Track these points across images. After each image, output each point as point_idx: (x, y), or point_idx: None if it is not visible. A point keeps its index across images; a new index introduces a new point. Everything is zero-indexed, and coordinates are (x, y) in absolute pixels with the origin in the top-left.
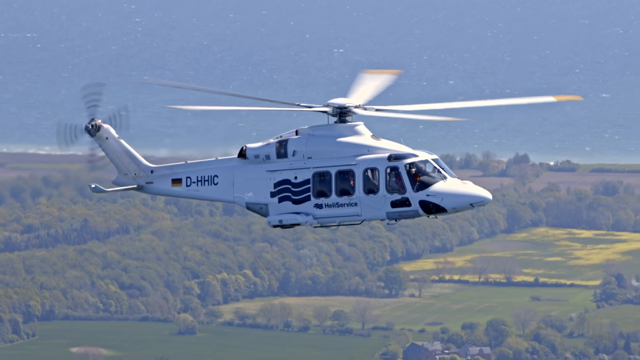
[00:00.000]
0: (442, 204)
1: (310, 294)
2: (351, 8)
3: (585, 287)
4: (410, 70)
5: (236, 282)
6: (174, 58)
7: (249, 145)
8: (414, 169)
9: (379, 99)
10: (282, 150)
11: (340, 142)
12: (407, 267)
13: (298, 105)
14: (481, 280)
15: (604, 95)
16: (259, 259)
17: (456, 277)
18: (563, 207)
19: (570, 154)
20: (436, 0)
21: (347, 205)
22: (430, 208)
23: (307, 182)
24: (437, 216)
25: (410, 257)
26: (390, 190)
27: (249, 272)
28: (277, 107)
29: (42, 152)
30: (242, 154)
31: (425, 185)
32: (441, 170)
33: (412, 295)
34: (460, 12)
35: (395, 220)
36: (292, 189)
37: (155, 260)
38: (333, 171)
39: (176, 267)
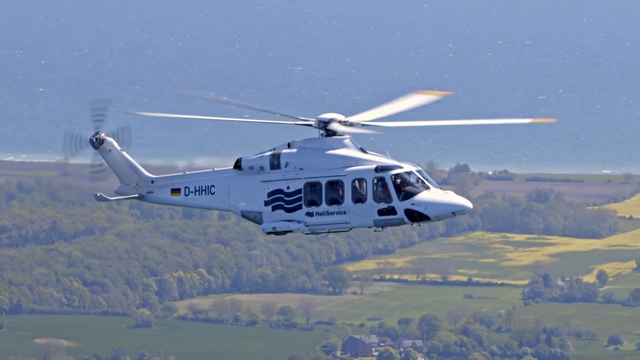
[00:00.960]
0: (426, 213)
1: (260, 291)
2: (311, 29)
3: (515, 286)
4: (365, 88)
5: (191, 279)
6: (146, 74)
7: (244, 157)
8: (399, 180)
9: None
10: (275, 162)
11: (330, 155)
12: (351, 267)
13: (295, 118)
14: (419, 279)
15: (542, 110)
16: (213, 258)
17: (396, 277)
18: (498, 212)
19: (508, 164)
20: (392, 22)
21: (337, 214)
22: (415, 216)
23: (299, 191)
24: (421, 224)
25: (355, 258)
26: (377, 199)
27: (203, 271)
28: (274, 119)
29: (18, 160)
30: (237, 166)
31: (410, 195)
32: (425, 181)
33: (355, 293)
34: (413, 32)
35: (382, 228)
36: (285, 198)
37: (117, 259)
38: (323, 181)
39: (136, 266)
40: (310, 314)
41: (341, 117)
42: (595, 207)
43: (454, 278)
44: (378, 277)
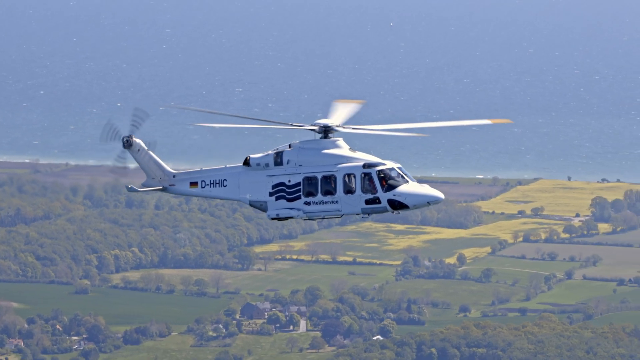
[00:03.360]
0: (405, 202)
1: (181, 267)
2: (253, 57)
3: (390, 265)
4: (293, 108)
5: (125, 256)
6: (111, 94)
7: (252, 156)
8: (383, 175)
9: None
10: (279, 160)
11: (325, 153)
12: (259, 249)
13: (291, 124)
14: (313, 259)
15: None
16: (144, 240)
17: (294, 257)
18: None
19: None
20: (321, 53)
21: (330, 203)
22: (396, 205)
23: (298, 184)
24: (400, 212)
25: (263, 241)
26: (364, 191)
27: (136, 250)
28: (274, 125)
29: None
30: (246, 162)
31: (392, 187)
32: (404, 176)
33: (259, 269)
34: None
35: (368, 215)
36: (287, 189)
37: (65, 239)
38: (319, 176)
39: (80, 245)
40: (219, 285)
41: (334, 123)
42: (464, 204)
43: (341, 258)
44: (280, 257)
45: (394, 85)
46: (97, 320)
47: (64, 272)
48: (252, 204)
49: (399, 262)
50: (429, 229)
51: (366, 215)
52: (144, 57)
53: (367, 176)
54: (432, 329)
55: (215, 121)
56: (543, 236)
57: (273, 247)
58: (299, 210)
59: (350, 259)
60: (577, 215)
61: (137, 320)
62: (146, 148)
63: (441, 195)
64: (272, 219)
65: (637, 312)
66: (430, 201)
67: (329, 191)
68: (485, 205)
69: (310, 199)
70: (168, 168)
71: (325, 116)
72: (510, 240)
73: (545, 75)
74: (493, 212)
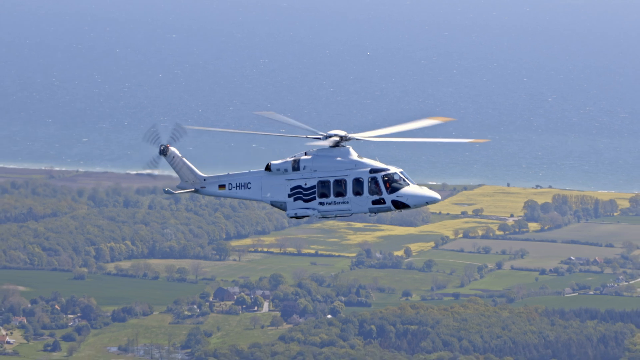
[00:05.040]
0: (407, 202)
1: (167, 257)
2: (245, 81)
3: (347, 257)
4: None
5: (119, 248)
6: (120, 112)
7: (273, 162)
8: (387, 179)
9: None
10: (296, 166)
11: (336, 160)
12: (235, 242)
13: (306, 136)
14: (281, 251)
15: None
16: (136, 234)
17: (265, 250)
18: None
19: None
20: (305, 81)
21: (342, 203)
22: (399, 205)
23: (313, 187)
24: (402, 210)
25: (239, 236)
26: (371, 193)
27: (129, 243)
28: (293, 134)
29: (13, 167)
30: (267, 168)
31: (395, 190)
32: (405, 179)
33: (234, 260)
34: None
35: (375, 214)
36: (303, 191)
37: (68, 234)
38: (332, 180)
39: (81, 238)
40: (198, 273)
41: (345, 134)
42: None
43: (305, 251)
44: (252, 250)
45: (365, 105)
46: (90, 301)
47: (65, 261)
48: (273, 204)
49: (354, 254)
50: (383, 226)
51: (373, 214)
52: (150, 81)
53: (373, 180)
54: (375, 310)
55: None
56: (480, 233)
57: (247, 241)
58: (314, 210)
59: (313, 251)
60: (512, 215)
61: (124, 302)
62: (180, 155)
63: (438, 196)
64: (291, 217)
65: (552, 297)
66: (428, 201)
67: (341, 193)
68: (433, 207)
69: (324, 199)
70: (200, 172)
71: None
72: (452, 237)
73: (497, 97)
74: (440, 213)
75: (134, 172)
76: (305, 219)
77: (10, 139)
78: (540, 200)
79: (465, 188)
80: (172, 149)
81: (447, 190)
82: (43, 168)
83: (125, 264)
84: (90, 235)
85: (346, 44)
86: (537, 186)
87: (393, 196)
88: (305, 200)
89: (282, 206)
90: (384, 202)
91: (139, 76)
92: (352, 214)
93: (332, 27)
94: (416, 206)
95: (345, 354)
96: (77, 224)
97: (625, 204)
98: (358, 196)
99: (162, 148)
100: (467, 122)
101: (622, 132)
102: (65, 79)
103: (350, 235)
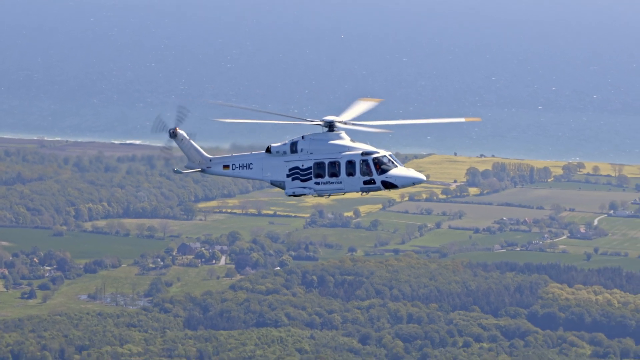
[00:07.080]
0: (395, 183)
1: (140, 217)
2: (225, 61)
3: (302, 217)
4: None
5: (97, 209)
6: (110, 89)
7: (273, 145)
8: (377, 161)
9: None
10: (294, 148)
11: (331, 144)
12: (202, 204)
13: (305, 119)
14: (243, 212)
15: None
16: (112, 196)
17: (229, 211)
18: None
19: None
20: (287, 64)
21: (335, 183)
22: (388, 185)
23: (310, 168)
24: (391, 190)
25: (207, 199)
26: (362, 174)
27: (105, 204)
28: (292, 120)
29: (7, 137)
30: (268, 150)
31: (384, 171)
32: (394, 161)
33: (200, 220)
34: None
35: (366, 193)
36: (300, 172)
37: (51, 195)
38: (326, 161)
39: (62, 200)
40: (166, 231)
41: (339, 119)
42: None
43: (265, 212)
44: (217, 211)
45: (334, 83)
46: (65, 255)
47: (47, 220)
48: (272, 183)
49: (308, 215)
50: None
51: (365, 193)
52: (140, 61)
53: (364, 162)
54: (318, 263)
55: (228, 112)
56: (424, 197)
57: (213, 203)
58: (310, 189)
59: (272, 212)
60: (455, 181)
61: (96, 255)
62: (188, 137)
63: (423, 177)
64: (289, 195)
65: (481, 252)
66: (414, 182)
67: (334, 173)
68: None
69: (319, 179)
70: (205, 154)
71: (330, 113)
72: (398, 200)
73: (454, 76)
74: None
75: (118, 142)
76: (301, 197)
77: (8, 112)
78: (482, 168)
79: (415, 157)
80: (181, 131)
81: (399, 158)
82: (35, 138)
83: (101, 223)
84: (70, 197)
85: (322, 28)
86: (482, 155)
87: (383, 177)
88: (303, 180)
89: (281, 185)
90: (374, 183)
91: (132, 57)
92: (345, 192)
93: (312, 12)
94: (404, 186)
95: (287, 300)
96: (59, 187)
97: (559, 171)
98: (350, 177)
99: (171, 132)
100: (425, 98)
101: (565, 108)
102: (62, 58)
103: (307, 198)
